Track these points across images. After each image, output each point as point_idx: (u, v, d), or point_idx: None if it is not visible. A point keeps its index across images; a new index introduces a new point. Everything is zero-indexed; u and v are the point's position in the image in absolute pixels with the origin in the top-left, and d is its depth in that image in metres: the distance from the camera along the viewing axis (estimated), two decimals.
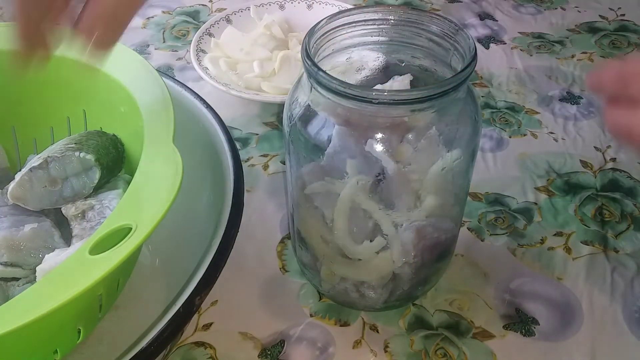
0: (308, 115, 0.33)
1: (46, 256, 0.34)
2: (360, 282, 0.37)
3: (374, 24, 0.34)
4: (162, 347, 0.31)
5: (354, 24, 0.34)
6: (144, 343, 0.30)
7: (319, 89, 0.30)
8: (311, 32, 0.32)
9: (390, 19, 0.34)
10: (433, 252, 0.37)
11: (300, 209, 0.37)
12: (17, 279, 0.35)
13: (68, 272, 0.27)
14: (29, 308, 0.25)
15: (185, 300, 0.32)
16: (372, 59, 0.36)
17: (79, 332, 0.33)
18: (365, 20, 0.34)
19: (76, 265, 0.27)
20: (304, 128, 0.33)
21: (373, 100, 0.29)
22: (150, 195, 0.30)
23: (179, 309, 0.31)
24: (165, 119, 0.34)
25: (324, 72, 0.29)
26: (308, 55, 0.31)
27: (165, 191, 0.29)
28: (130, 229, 0.28)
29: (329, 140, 0.32)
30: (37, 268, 0.33)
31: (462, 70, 0.29)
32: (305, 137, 0.33)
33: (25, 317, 0.25)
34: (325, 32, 0.33)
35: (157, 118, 0.35)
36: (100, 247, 0.27)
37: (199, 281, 0.32)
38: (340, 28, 0.34)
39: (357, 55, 0.36)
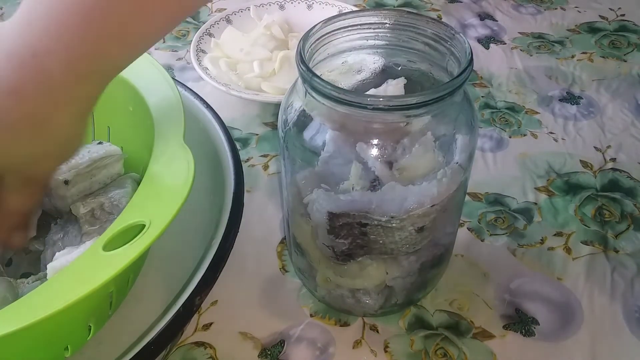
0: (303, 120, 0.32)
1: (57, 254, 0.34)
2: (355, 288, 0.37)
3: (370, 28, 0.34)
4: (162, 347, 0.31)
5: (349, 28, 0.34)
6: (144, 343, 0.30)
7: (314, 94, 0.30)
8: (306, 37, 0.32)
9: (386, 23, 0.34)
10: (429, 263, 0.37)
11: (295, 214, 0.36)
12: (26, 277, 0.35)
13: (83, 268, 0.27)
14: (44, 304, 0.26)
15: (186, 300, 0.32)
16: (368, 63, 0.36)
17: (90, 328, 0.33)
18: (360, 25, 0.34)
19: (90, 261, 0.27)
20: (299, 133, 0.33)
21: (368, 106, 0.28)
22: (162, 192, 0.30)
23: (179, 309, 0.31)
24: (175, 117, 0.35)
25: (319, 77, 0.29)
26: (302, 60, 0.30)
27: (177, 188, 0.29)
28: (144, 225, 0.28)
29: (324, 145, 0.32)
30: (47, 265, 0.33)
31: (458, 76, 0.29)
32: (300, 142, 0.33)
33: (41, 313, 0.25)
34: (321, 37, 0.33)
35: (167, 116, 0.35)
36: (113, 244, 0.28)
37: (199, 281, 0.32)
38: (336, 32, 0.33)
39: (353, 59, 0.35)
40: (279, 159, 0.37)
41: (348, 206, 0.32)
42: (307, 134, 0.32)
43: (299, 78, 0.31)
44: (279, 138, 0.35)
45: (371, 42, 0.35)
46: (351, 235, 0.34)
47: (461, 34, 0.32)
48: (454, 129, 0.32)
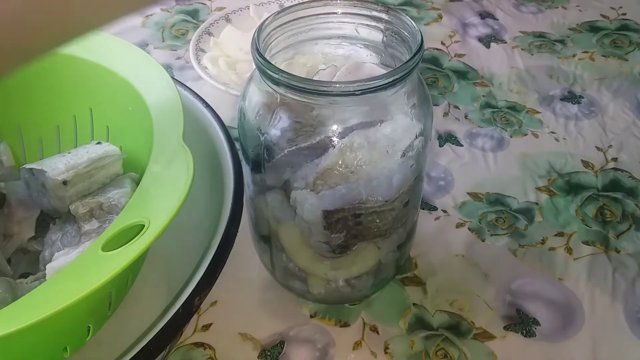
0: (263, 114, 0.32)
1: (56, 254, 0.34)
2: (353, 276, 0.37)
3: (323, 19, 0.34)
4: (162, 348, 0.31)
5: (300, 20, 0.34)
6: (142, 344, 0.30)
7: (270, 83, 0.30)
8: (260, 30, 0.32)
9: (336, 13, 0.34)
10: (410, 227, 0.38)
11: (278, 219, 0.36)
12: (25, 277, 0.35)
13: (81, 269, 0.27)
14: (43, 304, 0.25)
15: (185, 301, 0.31)
16: (331, 55, 0.36)
17: (89, 329, 0.33)
18: (313, 15, 0.34)
19: (89, 262, 0.27)
20: (259, 128, 0.32)
21: (329, 92, 0.29)
22: (162, 193, 0.30)
23: (178, 309, 0.31)
24: (175, 117, 0.34)
25: (276, 67, 0.29)
26: (257, 51, 0.30)
27: (176, 188, 0.29)
28: (143, 226, 0.28)
29: (284, 137, 0.32)
30: (47, 266, 0.33)
31: (409, 60, 0.29)
32: (262, 135, 0.32)
33: (39, 314, 0.25)
34: (274, 28, 0.33)
35: (166, 116, 0.35)
36: (112, 244, 0.27)
37: (198, 282, 0.32)
38: (287, 24, 0.33)
39: (302, 53, 0.35)
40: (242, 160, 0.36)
41: (341, 201, 0.32)
42: (267, 125, 0.32)
43: (255, 70, 0.31)
44: (239, 136, 0.34)
45: (333, 32, 0.35)
46: (346, 228, 0.34)
47: (409, 19, 0.32)
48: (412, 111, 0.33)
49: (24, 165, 0.40)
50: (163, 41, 0.68)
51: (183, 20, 0.72)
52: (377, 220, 0.34)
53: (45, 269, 0.33)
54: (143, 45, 0.67)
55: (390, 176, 0.32)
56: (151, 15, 0.72)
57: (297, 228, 0.35)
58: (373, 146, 0.31)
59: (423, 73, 0.62)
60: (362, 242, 0.35)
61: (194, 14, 0.73)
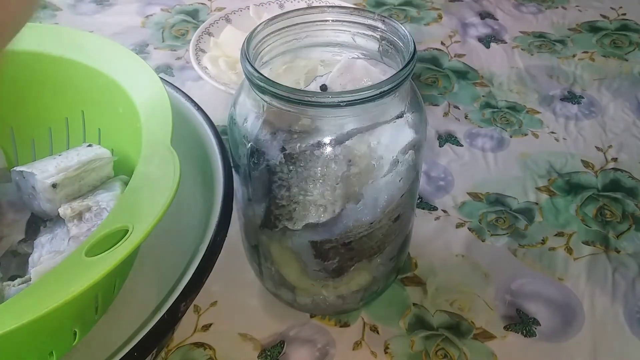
0: (249, 122, 0.32)
1: (41, 258, 0.34)
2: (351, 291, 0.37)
3: (321, 27, 0.34)
4: (146, 353, 0.30)
5: (290, 27, 0.33)
6: (127, 349, 0.29)
7: (256, 91, 0.30)
8: (249, 38, 0.31)
9: (329, 20, 0.33)
10: (402, 239, 0.38)
11: (266, 237, 0.35)
12: (13, 279, 0.35)
13: (64, 274, 0.27)
14: (25, 309, 0.25)
15: (170, 307, 0.31)
16: (326, 61, 0.35)
17: (75, 334, 0.32)
18: (305, 23, 0.33)
19: (72, 267, 0.27)
20: (245, 136, 0.32)
21: (314, 103, 0.28)
22: (147, 197, 0.30)
23: (163, 315, 0.31)
24: (163, 120, 0.34)
25: (262, 75, 0.29)
26: (248, 61, 0.30)
27: (162, 193, 0.29)
28: (127, 231, 0.28)
29: (269, 146, 0.31)
30: (32, 270, 0.33)
31: (401, 70, 0.29)
32: (246, 144, 0.32)
33: (21, 319, 0.25)
34: (265, 36, 0.32)
35: (155, 119, 0.35)
36: (96, 249, 0.27)
37: (184, 288, 0.32)
38: (280, 32, 0.33)
39: (301, 58, 0.35)
40: (237, 172, 0.36)
41: (328, 234, 0.32)
42: (253, 134, 0.31)
43: (245, 79, 0.31)
44: (229, 146, 0.34)
45: (319, 39, 0.34)
46: (338, 255, 0.34)
47: (403, 29, 0.31)
48: (404, 120, 0.32)
49: (15, 168, 0.39)
50: (163, 41, 0.68)
51: (183, 20, 0.72)
52: (367, 242, 0.34)
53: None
54: (143, 46, 0.67)
55: (376, 192, 0.32)
56: (151, 15, 0.73)
57: (286, 244, 0.35)
58: (359, 159, 0.31)
59: (423, 73, 0.62)
60: (359, 262, 0.35)
61: (194, 14, 0.73)
